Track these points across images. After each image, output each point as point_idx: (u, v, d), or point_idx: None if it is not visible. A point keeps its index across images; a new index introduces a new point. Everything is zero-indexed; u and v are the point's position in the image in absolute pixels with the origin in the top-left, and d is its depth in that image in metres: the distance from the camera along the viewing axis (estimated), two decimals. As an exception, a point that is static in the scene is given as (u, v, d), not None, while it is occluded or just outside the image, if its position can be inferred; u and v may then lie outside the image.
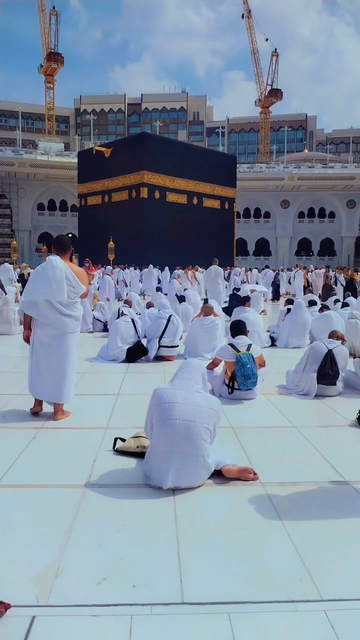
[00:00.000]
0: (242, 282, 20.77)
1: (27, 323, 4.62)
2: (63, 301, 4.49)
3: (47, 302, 4.45)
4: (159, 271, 24.53)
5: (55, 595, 2.10)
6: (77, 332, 4.76)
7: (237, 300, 12.25)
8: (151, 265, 23.93)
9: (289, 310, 9.27)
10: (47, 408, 4.83)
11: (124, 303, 8.92)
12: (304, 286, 20.97)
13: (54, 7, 65.88)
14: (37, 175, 55.15)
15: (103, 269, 22.91)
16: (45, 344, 4.56)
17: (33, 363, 4.64)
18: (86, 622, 1.95)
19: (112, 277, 19.44)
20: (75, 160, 45.51)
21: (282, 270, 26.27)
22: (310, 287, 20.31)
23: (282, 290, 21.43)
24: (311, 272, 23.87)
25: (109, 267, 20.58)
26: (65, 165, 53.11)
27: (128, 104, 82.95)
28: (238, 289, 17.84)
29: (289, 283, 22.13)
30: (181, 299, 11.45)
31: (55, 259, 4.54)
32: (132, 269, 24.62)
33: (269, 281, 21.77)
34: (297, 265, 29.10)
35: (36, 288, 4.52)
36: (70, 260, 4.76)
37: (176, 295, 12.15)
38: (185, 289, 14.24)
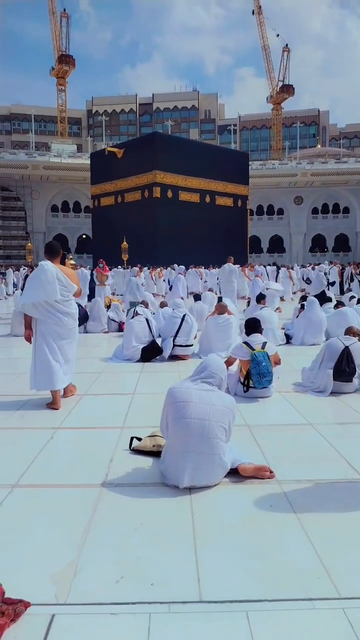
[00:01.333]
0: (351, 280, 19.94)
1: (28, 323, 5.04)
2: (58, 300, 4.95)
3: (45, 303, 4.90)
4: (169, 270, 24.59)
5: (74, 594, 2.12)
6: (75, 327, 5.26)
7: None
8: (176, 265, 23.95)
9: (302, 307, 9.21)
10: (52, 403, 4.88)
11: (140, 303, 8.95)
12: (340, 282, 20.68)
13: (64, 10, 66.47)
14: (50, 177, 55.54)
15: (174, 268, 23.06)
16: (51, 339, 4.99)
17: (41, 358, 4.97)
18: (105, 621, 1.96)
19: (185, 276, 19.26)
20: (88, 161, 45.70)
21: (331, 264, 25.22)
22: (350, 284, 19.91)
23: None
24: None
25: (182, 267, 20.41)
26: (78, 166, 53.39)
27: (139, 104, 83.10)
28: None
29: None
30: (196, 297, 11.47)
31: (45, 264, 5.00)
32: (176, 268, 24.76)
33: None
34: (331, 261, 28.54)
35: (33, 291, 4.95)
36: (63, 263, 5.28)
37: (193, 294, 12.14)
38: (267, 288, 13.98)
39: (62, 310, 4.97)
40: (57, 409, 4.92)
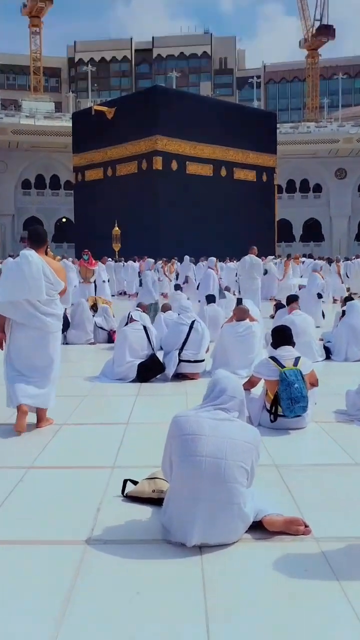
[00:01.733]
0: None
1: (1, 326, 5.11)
2: (42, 300, 5.05)
3: (25, 302, 4.96)
4: (179, 264, 24.67)
5: None
6: (59, 332, 5.44)
7: None
8: (187, 257, 24.09)
9: (344, 312, 9.20)
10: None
11: (137, 306, 8.93)
12: None
13: None
14: (20, 144, 55.98)
15: (193, 261, 23.29)
16: (25, 347, 5.10)
17: (10, 369, 5.12)
18: None
19: (217, 272, 19.18)
20: (69, 123, 46.12)
21: None
22: None
23: None
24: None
25: (212, 259, 20.47)
26: (56, 130, 53.82)
27: (135, 51, 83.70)
28: None
29: None
30: (210, 298, 11.33)
31: (30, 254, 5.05)
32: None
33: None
34: None
35: (12, 287, 5.01)
36: (46, 253, 5.39)
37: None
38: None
39: (45, 311, 5.09)
40: (19, 431, 5.01)
